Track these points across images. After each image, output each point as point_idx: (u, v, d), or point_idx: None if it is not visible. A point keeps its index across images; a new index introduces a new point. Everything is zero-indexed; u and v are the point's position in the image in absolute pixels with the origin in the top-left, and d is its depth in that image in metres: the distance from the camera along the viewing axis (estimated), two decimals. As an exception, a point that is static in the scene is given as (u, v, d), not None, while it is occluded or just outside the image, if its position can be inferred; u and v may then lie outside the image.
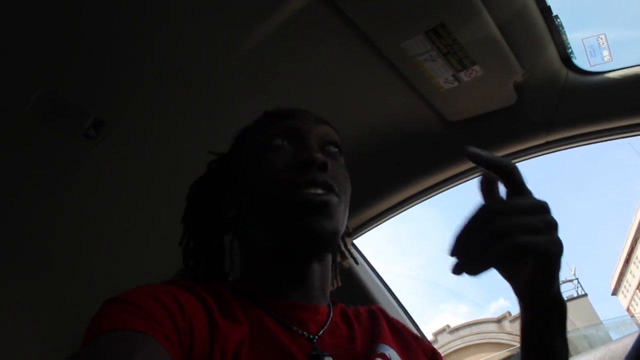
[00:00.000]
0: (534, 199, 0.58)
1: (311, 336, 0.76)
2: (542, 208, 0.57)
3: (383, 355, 0.77)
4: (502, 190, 0.59)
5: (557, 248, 0.56)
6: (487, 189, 0.60)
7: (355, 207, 1.56)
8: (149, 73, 1.17)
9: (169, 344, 0.59)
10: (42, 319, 1.63)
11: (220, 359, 0.65)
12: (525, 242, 0.53)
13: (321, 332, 0.78)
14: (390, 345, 0.81)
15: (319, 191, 0.78)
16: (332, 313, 0.83)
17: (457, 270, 0.53)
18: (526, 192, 0.58)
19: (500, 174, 0.58)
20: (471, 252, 0.53)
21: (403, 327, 0.91)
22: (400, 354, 0.81)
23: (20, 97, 1.12)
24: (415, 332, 0.93)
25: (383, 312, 0.92)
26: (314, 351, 0.73)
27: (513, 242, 0.52)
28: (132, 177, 1.39)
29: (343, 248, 0.97)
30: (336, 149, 0.89)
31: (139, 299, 0.63)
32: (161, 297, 0.65)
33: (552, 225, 0.56)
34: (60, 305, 1.61)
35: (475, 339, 18.79)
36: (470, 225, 0.54)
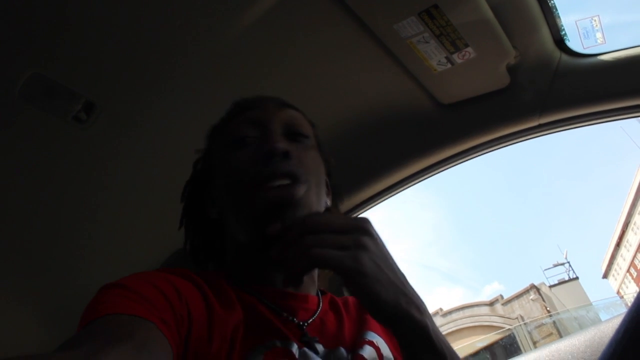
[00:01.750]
0: (352, 220, 0.65)
1: (301, 323, 0.77)
2: (357, 228, 0.63)
3: (371, 343, 0.79)
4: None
5: (357, 264, 0.59)
6: None
7: (349, 189, 1.56)
8: (140, 55, 1.15)
9: (167, 328, 0.60)
10: (37, 305, 1.63)
11: (219, 344, 0.66)
12: (322, 255, 0.60)
13: (311, 319, 0.79)
14: (378, 333, 0.83)
15: (284, 182, 0.77)
16: (321, 302, 0.84)
17: (285, 283, 0.64)
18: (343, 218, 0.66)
19: None
20: (289, 262, 0.62)
21: None
22: (388, 342, 0.83)
23: (9, 79, 1.10)
24: None
25: None
26: (304, 337, 0.74)
27: (311, 254, 0.60)
28: (124, 160, 1.39)
29: None
30: (302, 133, 0.87)
31: (137, 285, 0.64)
32: (158, 283, 0.66)
33: (360, 245, 0.61)
34: (53, 291, 1.60)
35: (468, 322, 19.01)
36: (287, 238, 0.64)
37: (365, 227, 0.64)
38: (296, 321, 0.77)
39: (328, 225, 0.63)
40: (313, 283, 0.86)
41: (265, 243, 0.74)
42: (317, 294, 0.86)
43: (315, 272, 0.87)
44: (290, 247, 0.63)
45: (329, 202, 0.93)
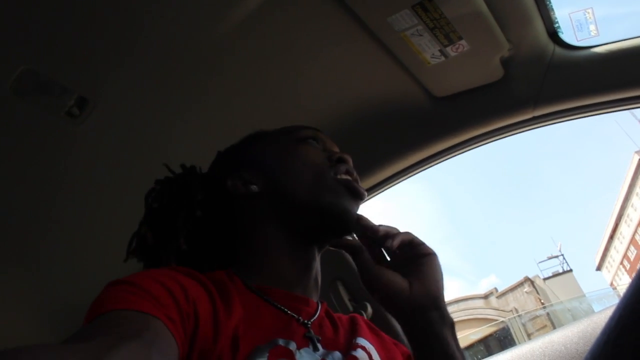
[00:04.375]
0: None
1: (305, 321, 0.80)
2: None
3: (363, 348, 0.82)
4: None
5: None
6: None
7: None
8: (133, 51, 1.15)
9: (173, 326, 0.60)
10: (33, 304, 1.62)
11: (223, 343, 0.67)
12: (415, 238, 0.83)
13: (312, 320, 0.82)
14: (369, 341, 0.86)
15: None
16: (319, 309, 0.87)
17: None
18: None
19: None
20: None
21: (383, 334, 0.97)
22: (378, 351, 0.86)
23: (0, 75, 1.09)
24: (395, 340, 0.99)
25: (364, 319, 0.97)
26: (308, 333, 0.78)
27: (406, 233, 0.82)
28: (119, 156, 1.38)
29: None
30: None
31: (143, 282, 0.64)
32: (164, 281, 0.67)
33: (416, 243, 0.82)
34: (49, 289, 1.60)
35: (462, 315, 19.10)
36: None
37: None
38: (301, 319, 0.80)
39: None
40: (317, 287, 0.90)
41: (325, 220, 0.86)
42: (317, 302, 0.89)
43: (319, 277, 0.91)
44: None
45: None
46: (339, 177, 0.89)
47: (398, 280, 0.77)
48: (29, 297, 1.60)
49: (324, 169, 0.89)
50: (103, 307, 0.59)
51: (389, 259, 0.84)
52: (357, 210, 0.89)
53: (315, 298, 0.89)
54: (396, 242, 0.80)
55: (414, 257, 0.81)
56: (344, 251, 0.85)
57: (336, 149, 0.99)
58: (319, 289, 0.91)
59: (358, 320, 0.93)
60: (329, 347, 0.78)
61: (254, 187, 0.90)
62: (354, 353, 0.79)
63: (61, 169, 1.35)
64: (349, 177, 0.91)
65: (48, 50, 1.09)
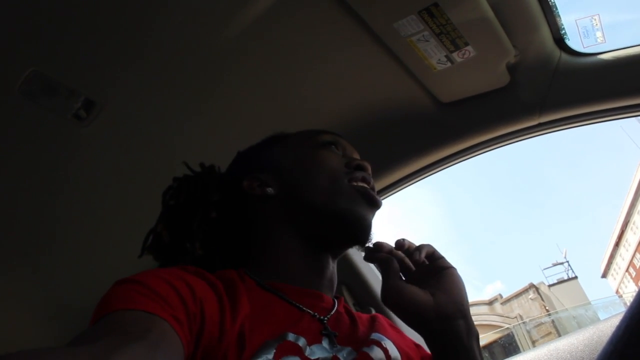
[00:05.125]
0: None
1: (322, 317, 0.80)
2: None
3: (379, 344, 0.81)
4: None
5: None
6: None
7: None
8: (140, 53, 1.15)
9: (179, 327, 0.60)
10: (36, 304, 1.62)
11: (228, 341, 0.67)
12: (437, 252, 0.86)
13: (328, 316, 0.82)
14: (387, 336, 0.85)
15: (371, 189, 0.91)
16: (336, 304, 0.87)
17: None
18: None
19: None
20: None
21: (405, 334, 0.96)
22: (399, 347, 0.85)
23: (8, 76, 1.10)
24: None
25: (385, 319, 0.96)
26: (324, 330, 0.78)
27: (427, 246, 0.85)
28: (125, 158, 1.38)
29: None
30: None
31: (151, 281, 0.64)
32: (172, 281, 0.66)
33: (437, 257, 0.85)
34: (52, 289, 1.60)
35: (467, 321, 18.96)
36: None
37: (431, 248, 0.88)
38: (317, 315, 0.80)
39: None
40: (331, 288, 0.90)
41: (339, 227, 0.86)
42: (333, 298, 0.89)
43: (335, 282, 0.91)
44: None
45: None
46: (354, 184, 0.89)
47: (420, 293, 0.77)
48: (31, 298, 1.61)
49: (340, 175, 0.89)
50: (110, 306, 0.59)
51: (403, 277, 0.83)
52: (372, 218, 0.89)
53: (330, 295, 0.88)
54: (423, 254, 0.81)
55: (434, 270, 0.82)
56: (350, 257, 0.86)
57: (356, 156, 0.99)
58: (334, 290, 0.91)
59: (378, 318, 0.93)
60: (343, 343, 0.78)
61: (270, 190, 0.90)
62: (365, 349, 0.78)
63: (67, 171, 1.35)
64: (365, 185, 0.90)
65: (56, 52, 1.10)
